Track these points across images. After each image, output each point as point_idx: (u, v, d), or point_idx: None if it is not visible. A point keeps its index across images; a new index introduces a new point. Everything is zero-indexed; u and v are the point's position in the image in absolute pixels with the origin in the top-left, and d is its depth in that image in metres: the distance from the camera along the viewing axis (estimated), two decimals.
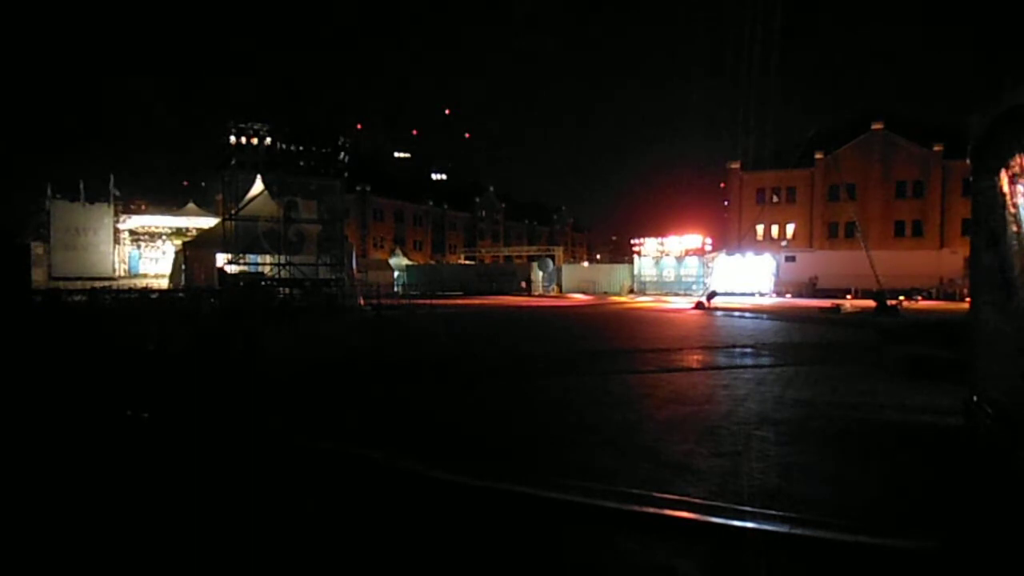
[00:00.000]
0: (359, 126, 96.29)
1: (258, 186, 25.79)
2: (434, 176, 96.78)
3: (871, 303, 22.30)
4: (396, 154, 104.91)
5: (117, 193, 36.79)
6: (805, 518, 3.55)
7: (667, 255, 45.61)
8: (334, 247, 25.63)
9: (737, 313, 23.13)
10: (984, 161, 4.92)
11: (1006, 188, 4.42)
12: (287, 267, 24.48)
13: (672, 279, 43.55)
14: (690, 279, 42.62)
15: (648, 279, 44.17)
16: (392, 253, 58.34)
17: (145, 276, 37.19)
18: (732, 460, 4.83)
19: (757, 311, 24.62)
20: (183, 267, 27.97)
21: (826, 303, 27.21)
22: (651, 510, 3.70)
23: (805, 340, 13.99)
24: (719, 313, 23.07)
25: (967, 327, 5.76)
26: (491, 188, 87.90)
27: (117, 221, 37.14)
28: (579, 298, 37.89)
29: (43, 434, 5.83)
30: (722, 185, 58.56)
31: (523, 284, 44.83)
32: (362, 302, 26.18)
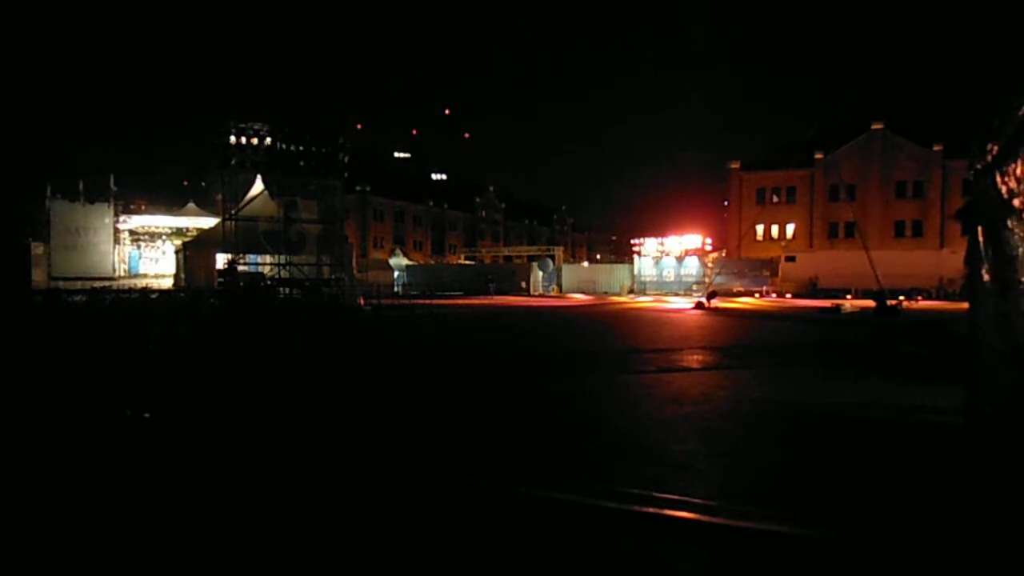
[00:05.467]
0: (359, 126, 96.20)
1: (258, 186, 25.82)
2: (434, 176, 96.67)
3: (871, 303, 22.31)
4: (396, 154, 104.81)
5: (115, 188, 36.76)
6: (805, 518, 3.55)
7: (667, 255, 45.54)
8: (334, 247, 25.64)
9: (737, 313, 23.14)
10: (987, 160, 4.92)
11: (1004, 188, 4.42)
12: (287, 267, 24.49)
13: (672, 279, 43.59)
14: (690, 279, 42.65)
15: (648, 279, 44.20)
16: (392, 253, 58.38)
17: (145, 276, 37.23)
18: (732, 460, 4.83)
19: (757, 311, 24.63)
20: (184, 267, 28.01)
21: (826, 303, 27.22)
22: (651, 510, 3.71)
23: (805, 340, 14.00)
24: (719, 313, 23.07)
25: (967, 327, 5.77)
26: (491, 188, 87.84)
27: (117, 221, 37.16)
28: (579, 298, 37.89)
29: (43, 434, 5.83)
30: (722, 185, 58.63)
31: (523, 284, 44.82)
32: (362, 302, 26.20)
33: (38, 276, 28.36)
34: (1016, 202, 4.13)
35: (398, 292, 43.16)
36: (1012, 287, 4.30)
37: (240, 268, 23.89)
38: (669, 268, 44.37)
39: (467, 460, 4.88)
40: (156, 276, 37.15)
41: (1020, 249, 4.23)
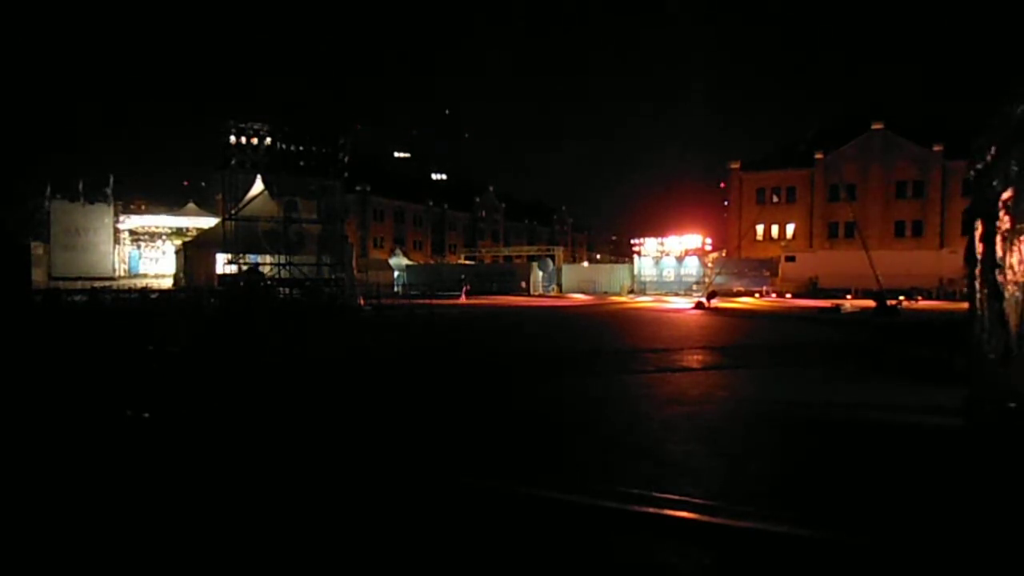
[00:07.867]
0: (359, 126, 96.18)
1: (258, 186, 25.80)
2: (434, 176, 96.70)
3: (871, 303, 22.30)
4: (396, 154, 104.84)
5: (114, 189, 36.76)
6: (805, 518, 3.55)
7: (667, 255, 45.51)
8: (334, 247, 25.63)
9: (737, 313, 23.13)
10: (987, 160, 4.92)
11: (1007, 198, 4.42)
12: (287, 267, 24.48)
13: (672, 279, 43.54)
14: (690, 279, 42.61)
15: (648, 279, 44.15)
16: (392, 253, 58.31)
17: (145, 276, 37.24)
18: (733, 460, 4.83)
19: (757, 311, 24.63)
20: (184, 267, 28.02)
21: (826, 303, 27.20)
22: (651, 510, 3.70)
23: (805, 340, 13.99)
24: (719, 313, 23.06)
25: (967, 328, 5.77)
26: (491, 188, 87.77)
27: (117, 221, 37.15)
28: (579, 298, 37.88)
29: (44, 434, 5.83)
30: (722, 185, 58.57)
31: (523, 284, 44.79)
32: (362, 302, 26.20)
33: (38, 276, 28.32)
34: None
35: (398, 292, 43.14)
36: (1004, 287, 4.30)
37: (239, 269, 23.87)
38: (669, 268, 44.32)
39: (467, 460, 4.88)
40: (156, 276, 37.16)
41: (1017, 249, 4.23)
